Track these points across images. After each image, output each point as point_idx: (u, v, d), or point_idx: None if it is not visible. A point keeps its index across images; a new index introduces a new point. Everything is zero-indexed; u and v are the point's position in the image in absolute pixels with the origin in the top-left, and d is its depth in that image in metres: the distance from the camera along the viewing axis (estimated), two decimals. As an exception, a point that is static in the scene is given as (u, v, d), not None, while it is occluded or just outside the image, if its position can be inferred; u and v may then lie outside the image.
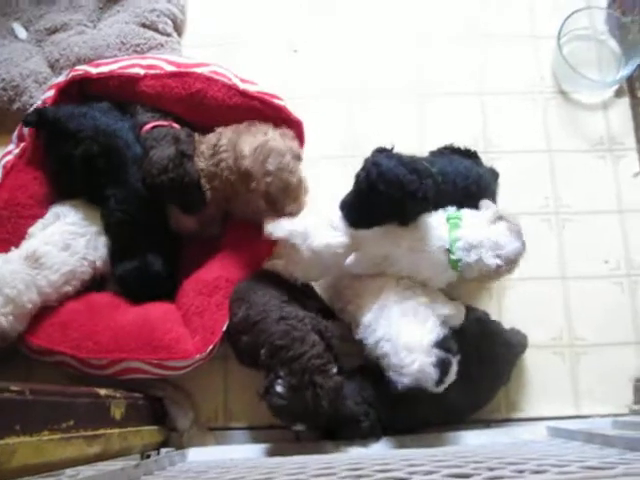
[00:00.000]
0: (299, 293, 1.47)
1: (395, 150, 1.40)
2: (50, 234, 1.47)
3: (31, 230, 1.50)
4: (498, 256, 1.31)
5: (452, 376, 1.30)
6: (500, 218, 1.34)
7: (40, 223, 1.51)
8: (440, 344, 1.29)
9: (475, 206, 1.47)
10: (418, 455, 1.09)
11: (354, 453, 1.34)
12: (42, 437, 0.94)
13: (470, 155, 1.58)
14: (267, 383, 1.29)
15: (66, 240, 1.46)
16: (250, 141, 1.45)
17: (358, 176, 1.36)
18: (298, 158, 1.48)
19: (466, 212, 1.39)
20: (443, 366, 1.28)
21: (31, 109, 1.60)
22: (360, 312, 1.41)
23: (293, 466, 1.04)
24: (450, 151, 1.58)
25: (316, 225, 1.39)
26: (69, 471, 0.97)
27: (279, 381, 1.27)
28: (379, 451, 1.35)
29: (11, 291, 1.34)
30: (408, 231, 1.37)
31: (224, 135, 1.49)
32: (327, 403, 1.25)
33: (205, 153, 1.49)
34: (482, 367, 1.42)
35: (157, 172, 1.45)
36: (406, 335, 1.30)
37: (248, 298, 1.44)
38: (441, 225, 1.37)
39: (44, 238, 1.46)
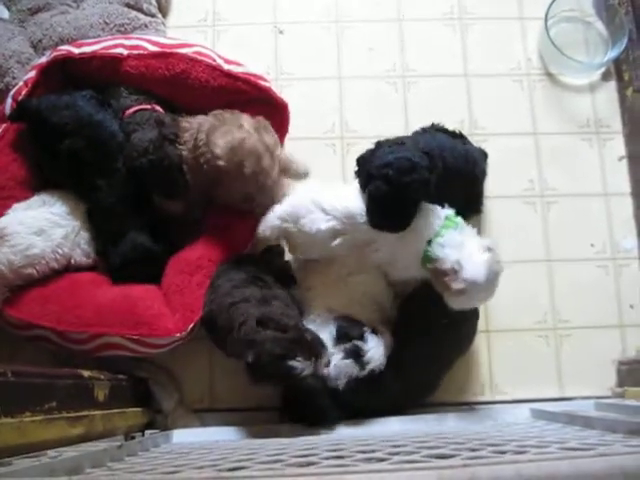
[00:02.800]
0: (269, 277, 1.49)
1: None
2: (29, 217, 1.45)
3: (16, 205, 1.48)
4: (460, 266, 1.27)
5: (374, 351, 1.34)
6: (489, 249, 1.30)
7: (26, 203, 1.49)
8: (339, 338, 1.34)
9: (464, 184, 1.49)
10: (399, 436, 1.09)
11: (337, 435, 1.34)
12: (24, 418, 0.95)
13: (455, 136, 1.57)
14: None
15: (43, 226, 1.44)
16: (224, 137, 1.42)
17: (376, 187, 1.31)
18: (273, 154, 1.47)
19: (465, 226, 1.36)
20: (354, 353, 1.32)
21: (13, 90, 1.58)
22: None
23: (275, 447, 1.04)
24: (434, 130, 1.58)
25: (308, 206, 1.39)
26: (51, 452, 0.96)
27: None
28: (364, 432, 1.36)
29: None
30: None
31: (202, 127, 1.47)
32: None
33: (188, 143, 1.48)
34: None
35: (137, 154, 1.45)
36: None
37: (214, 289, 1.44)
38: (435, 219, 1.35)
39: (21, 218, 1.44)
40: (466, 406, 1.54)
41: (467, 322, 1.47)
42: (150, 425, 1.47)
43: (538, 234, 1.69)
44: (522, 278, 1.65)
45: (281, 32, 1.87)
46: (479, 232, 1.39)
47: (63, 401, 1.07)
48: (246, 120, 1.48)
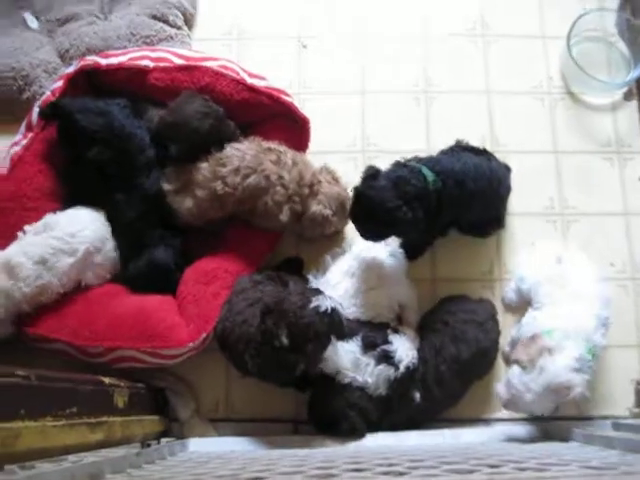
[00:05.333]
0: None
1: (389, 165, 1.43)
2: (31, 244, 1.43)
3: (27, 228, 1.47)
4: (543, 370, 1.29)
5: (401, 350, 1.39)
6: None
7: (34, 227, 1.47)
8: (366, 347, 1.40)
9: (487, 204, 1.52)
10: (418, 451, 1.09)
11: (355, 447, 1.34)
12: (46, 422, 0.95)
13: (480, 152, 1.56)
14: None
15: (44, 254, 1.41)
16: (324, 199, 1.55)
17: (351, 207, 1.43)
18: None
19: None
20: (384, 358, 1.38)
21: (40, 99, 1.60)
22: None
23: (294, 459, 1.04)
24: (461, 149, 1.57)
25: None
26: (72, 457, 0.97)
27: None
28: (381, 446, 1.35)
29: None
30: None
31: (269, 168, 1.51)
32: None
33: (228, 180, 1.49)
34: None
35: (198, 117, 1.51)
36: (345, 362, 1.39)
37: (230, 307, 1.43)
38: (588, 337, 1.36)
39: (24, 247, 1.42)
40: (483, 422, 1.53)
41: (492, 350, 1.50)
42: (165, 433, 1.48)
43: (558, 253, 1.68)
44: (541, 296, 1.63)
45: (305, 46, 1.89)
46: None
47: (84, 406, 1.07)
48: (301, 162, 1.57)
